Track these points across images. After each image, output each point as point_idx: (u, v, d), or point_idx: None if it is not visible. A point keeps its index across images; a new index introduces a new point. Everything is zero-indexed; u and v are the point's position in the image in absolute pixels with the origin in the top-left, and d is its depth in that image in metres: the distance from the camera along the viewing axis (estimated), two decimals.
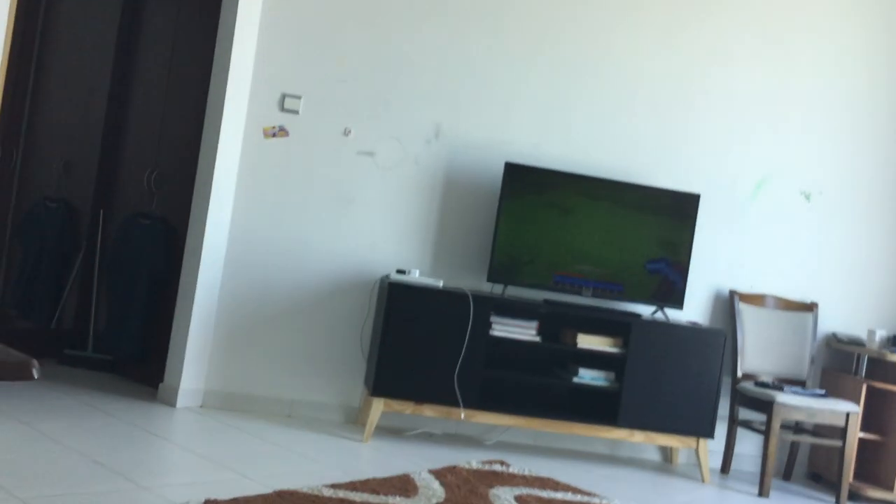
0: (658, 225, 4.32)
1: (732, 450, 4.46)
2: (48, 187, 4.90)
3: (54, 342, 4.74)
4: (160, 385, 4.21)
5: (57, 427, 3.46)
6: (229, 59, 4.16)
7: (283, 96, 4.26)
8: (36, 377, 1.45)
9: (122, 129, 4.86)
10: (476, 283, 4.30)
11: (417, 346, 3.99)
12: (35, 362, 1.48)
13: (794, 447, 4.59)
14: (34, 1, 4.63)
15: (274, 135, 4.26)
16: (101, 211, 4.82)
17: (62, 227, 4.88)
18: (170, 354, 4.21)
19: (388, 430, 4.20)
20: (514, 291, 4.28)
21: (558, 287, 4.25)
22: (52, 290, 4.89)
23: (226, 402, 4.21)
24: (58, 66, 4.85)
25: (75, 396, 4.02)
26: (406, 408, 4.02)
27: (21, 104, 4.63)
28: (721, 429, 4.39)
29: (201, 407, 4.18)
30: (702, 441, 4.20)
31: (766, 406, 4.15)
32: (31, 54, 4.63)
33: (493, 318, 4.06)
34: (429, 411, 4.04)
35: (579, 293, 4.25)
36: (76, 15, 4.92)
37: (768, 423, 4.12)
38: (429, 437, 4.24)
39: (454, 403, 3.98)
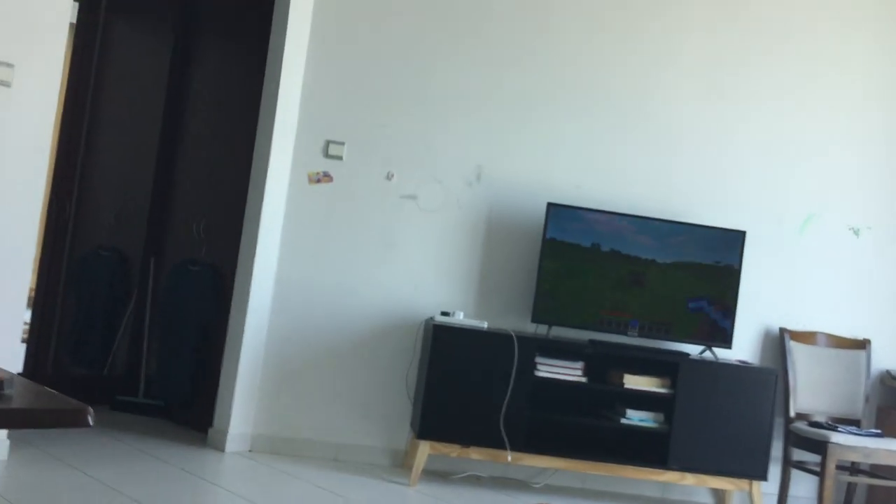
0: (703, 262, 4.28)
1: (787, 492, 4.35)
2: (100, 236, 5.02)
3: (106, 388, 4.82)
4: (209, 430, 4.26)
5: (109, 473, 3.51)
6: (275, 107, 4.25)
7: (328, 143, 4.34)
8: (91, 424, 1.50)
9: (172, 179, 4.98)
10: (520, 323, 4.30)
11: (463, 389, 3.98)
12: (90, 409, 1.53)
13: (850, 488, 4.47)
14: (87, 55, 4.78)
15: (318, 181, 4.33)
16: (152, 259, 4.93)
17: (114, 274, 4.99)
18: (219, 399, 4.26)
19: (435, 474, 4.18)
20: (558, 332, 4.27)
21: (603, 327, 4.22)
22: (104, 336, 4.99)
23: (274, 446, 4.24)
24: (109, 119, 5.00)
25: (127, 442, 4.08)
26: (452, 451, 4.00)
27: (74, 156, 4.77)
28: (775, 470, 4.29)
29: (250, 451, 4.21)
30: (755, 483, 4.11)
31: (820, 447, 4.06)
32: (83, 108, 4.78)
33: (539, 359, 4.04)
34: (475, 454, 4.02)
35: (625, 333, 4.22)
36: (127, 69, 5.08)
37: (823, 464, 4.02)
38: (476, 481, 4.22)
39: (501, 446, 3.96)
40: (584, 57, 4.49)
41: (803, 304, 4.55)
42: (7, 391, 1.61)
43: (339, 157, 4.33)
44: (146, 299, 4.90)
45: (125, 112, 5.08)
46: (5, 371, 1.75)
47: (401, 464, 4.28)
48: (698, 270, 4.27)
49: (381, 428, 4.31)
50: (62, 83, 3.82)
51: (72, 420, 1.48)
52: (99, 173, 4.98)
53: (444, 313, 4.14)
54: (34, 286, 4.66)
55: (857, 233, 4.63)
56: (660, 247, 4.26)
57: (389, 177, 4.36)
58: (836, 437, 4.02)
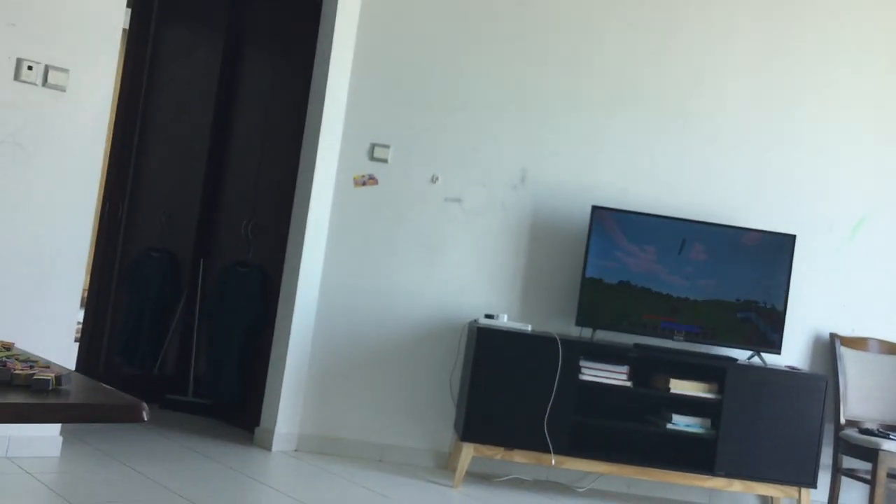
0: (752, 267, 4.23)
1: (836, 500, 4.28)
2: (152, 238, 5.12)
3: (156, 387, 4.91)
4: (256, 429, 4.31)
5: (158, 470, 3.58)
6: (322, 111, 4.30)
7: (373, 146, 4.37)
8: (146, 419, 1.53)
9: (221, 182, 5.07)
10: (564, 327, 4.29)
11: (507, 391, 3.98)
12: (145, 405, 1.57)
13: None
14: (139, 61, 4.89)
15: (364, 183, 4.37)
16: (202, 260, 5.01)
17: (164, 276, 5.08)
18: (265, 399, 4.31)
19: (479, 476, 4.19)
20: (602, 335, 4.25)
21: (648, 331, 4.19)
22: (154, 336, 5.08)
23: (319, 446, 4.28)
24: (161, 123, 5.10)
25: (175, 440, 4.15)
26: (496, 453, 4.01)
27: (127, 160, 4.87)
28: (824, 478, 4.22)
29: (296, 451, 4.26)
30: (804, 491, 4.05)
31: (871, 454, 3.98)
32: (136, 113, 4.89)
33: (583, 363, 4.03)
34: (519, 457, 4.01)
35: (671, 337, 4.18)
36: (178, 74, 5.18)
37: (874, 471, 3.94)
38: (519, 484, 4.21)
39: (545, 449, 3.95)
40: (628, 58, 4.47)
41: (854, 310, 4.47)
42: (65, 386, 1.66)
43: (385, 160, 4.37)
44: (195, 300, 4.98)
45: (176, 116, 5.18)
46: (62, 367, 1.80)
47: (444, 465, 4.29)
48: (747, 274, 4.22)
49: (425, 430, 4.33)
50: (115, 88, 3.91)
51: (127, 415, 1.52)
52: (150, 176, 5.08)
53: (489, 316, 4.15)
54: (87, 286, 4.77)
55: None
56: (707, 250, 4.22)
57: (434, 180, 4.38)
58: (888, 445, 3.94)
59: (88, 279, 4.73)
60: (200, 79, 5.17)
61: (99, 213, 4.67)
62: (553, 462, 3.97)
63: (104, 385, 1.64)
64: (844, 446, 4.20)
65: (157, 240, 5.13)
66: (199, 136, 5.11)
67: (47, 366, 1.78)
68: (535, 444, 3.95)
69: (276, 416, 4.23)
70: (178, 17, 5.14)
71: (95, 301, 4.81)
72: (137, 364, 5.06)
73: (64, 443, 3.65)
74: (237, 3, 5.15)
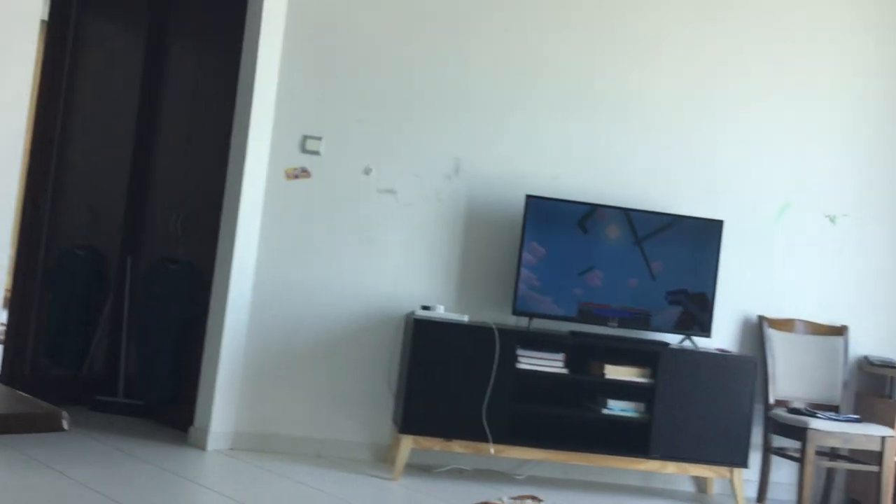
0: (682, 252, 4.30)
1: (768, 478, 4.39)
2: (76, 235, 4.97)
3: (86, 388, 4.78)
4: (190, 428, 4.23)
5: (89, 474, 3.48)
6: (251, 102, 4.22)
7: (305, 138, 4.31)
8: (66, 428, 1.45)
9: (148, 176, 4.94)
10: (501, 316, 4.30)
11: (445, 382, 3.98)
12: (64, 413, 1.48)
13: (830, 474, 4.51)
14: (59, 53, 4.73)
15: (296, 176, 4.31)
16: (129, 257, 4.89)
17: (90, 273, 4.95)
18: (199, 397, 4.23)
19: (418, 468, 4.18)
20: (539, 324, 4.27)
21: (583, 318, 4.23)
22: (81, 336, 4.94)
23: (256, 444, 4.22)
24: (83, 117, 4.94)
25: (107, 442, 4.05)
26: (435, 444, 4.00)
27: (48, 154, 4.71)
28: (755, 457, 4.32)
29: (231, 449, 4.19)
30: (736, 471, 4.14)
31: (799, 433, 4.09)
32: (57, 106, 4.73)
33: (520, 352, 4.05)
34: (458, 447, 4.02)
35: (605, 324, 4.23)
36: (100, 66, 5.03)
37: (803, 450, 4.06)
38: (459, 474, 4.22)
39: (483, 439, 3.97)
40: (560, 48, 4.49)
41: (781, 292, 4.59)
42: None
43: (317, 153, 4.31)
44: (124, 298, 4.86)
45: (99, 109, 5.03)
46: None
47: (384, 458, 4.27)
48: (677, 260, 4.29)
49: (363, 423, 4.30)
50: (34, 81, 3.77)
51: (45, 425, 1.43)
52: (73, 172, 4.93)
53: (425, 307, 4.14)
54: (9, 286, 4.61)
55: (833, 220, 4.66)
56: (638, 237, 4.28)
57: (367, 171, 4.35)
58: (816, 423, 4.05)
59: (11, 279, 4.57)
60: (124, 69, 5.03)
61: (21, 210, 4.51)
62: (492, 451, 3.98)
63: (20, 393, 1.56)
64: (774, 426, 4.31)
65: (81, 237, 4.98)
66: (124, 129, 4.97)
67: None
68: (474, 433, 3.96)
69: (210, 414, 4.15)
70: (99, 7, 4.98)
71: (19, 302, 4.65)
72: (65, 365, 4.92)
73: None
74: None
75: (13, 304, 4.64)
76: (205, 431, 4.15)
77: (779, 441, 4.38)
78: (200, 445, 4.15)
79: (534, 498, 3.81)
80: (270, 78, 4.28)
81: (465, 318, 4.11)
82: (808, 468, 4.04)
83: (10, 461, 3.54)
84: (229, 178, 4.30)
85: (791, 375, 4.46)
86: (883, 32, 4.73)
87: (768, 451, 4.38)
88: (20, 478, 3.37)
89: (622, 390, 4.13)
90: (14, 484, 3.30)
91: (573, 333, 4.18)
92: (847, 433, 4.07)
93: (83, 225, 4.99)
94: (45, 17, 4.54)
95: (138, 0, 5.05)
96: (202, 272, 4.47)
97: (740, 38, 4.61)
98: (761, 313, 4.54)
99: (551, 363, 4.09)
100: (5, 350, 4.59)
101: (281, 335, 4.26)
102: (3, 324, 4.80)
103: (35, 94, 4.39)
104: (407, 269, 4.35)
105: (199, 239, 4.51)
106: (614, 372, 4.10)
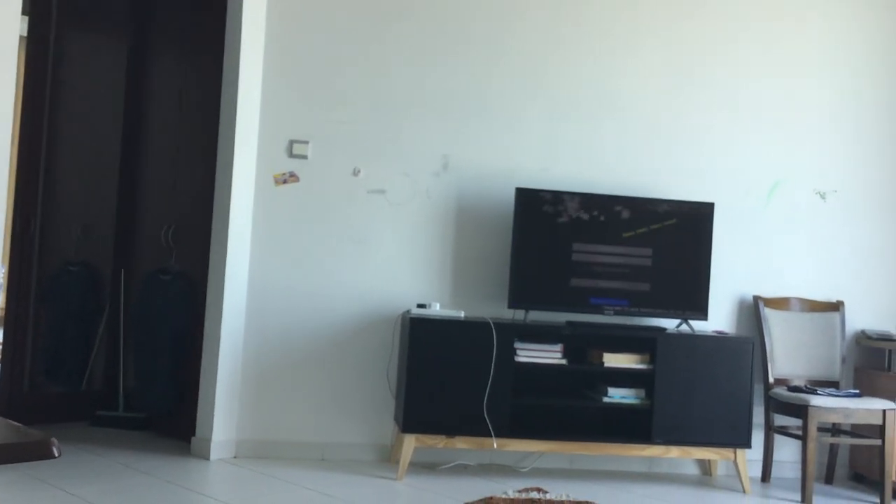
0: (674, 237, 4.30)
1: (771, 457, 4.40)
2: (68, 252, 4.95)
3: (85, 404, 4.77)
4: (193, 439, 4.23)
5: (93, 490, 3.47)
6: (235, 110, 4.21)
7: (291, 142, 4.30)
8: (57, 455, 1.41)
9: (136, 189, 4.93)
10: (497, 310, 4.30)
11: (444, 379, 3.98)
12: (54, 440, 1.43)
13: (833, 449, 4.52)
14: (41, 68, 4.70)
15: (285, 181, 4.30)
16: (122, 270, 4.87)
17: (84, 289, 4.93)
18: (200, 407, 4.22)
19: (422, 466, 4.18)
20: (535, 316, 4.27)
21: (580, 308, 4.23)
22: (79, 352, 4.93)
23: (259, 451, 4.22)
24: (69, 131, 4.92)
25: (109, 457, 4.04)
26: (438, 442, 4.00)
27: (36, 172, 4.69)
28: (758, 437, 4.33)
29: (235, 457, 4.18)
30: (739, 451, 4.15)
31: (800, 410, 4.10)
32: (41, 122, 4.70)
33: (518, 345, 4.05)
34: (461, 443, 4.02)
35: (601, 312, 4.23)
36: (83, 80, 5.00)
37: (805, 427, 4.07)
38: (463, 470, 4.22)
39: (486, 433, 3.97)
40: (542, 40, 4.48)
41: (775, 271, 4.59)
42: None
43: (304, 156, 4.30)
44: (119, 311, 4.84)
45: (84, 123, 5.00)
46: None
47: (387, 458, 4.27)
48: (670, 244, 4.29)
49: (365, 424, 4.30)
50: (17, 98, 3.75)
51: (35, 454, 1.40)
52: (62, 187, 4.91)
53: (421, 305, 4.13)
54: (4, 305, 4.60)
55: (823, 197, 4.67)
56: (630, 224, 4.28)
57: (356, 172, 4.34)
58: (816, 400, 4.06)
59: (5, 298, 4.56)
60: (108, 83, 5.01)
61: (10, 231, 4.49)
62: (495, 445, 3.99)
63: (10, 421, 1.53)
64: (775, 405, 4.32)
65: (73, 253, 4.96)
66: (110, 142, 4.95)
67: None
68: (476, 429, 3.96)
69: (211, 423, 4.14)
70: (79, 20, 4.96)
71: (14, 320, 4.63)
72: (63, 382, 4.90)
73: None
74: (139, 4, 5.00)
75: (8, 323, 4.63)
76: (207, 441, 4.15)
77: (780, 420, 4.40)
78: (204, 455, 4.14)
79: (539, 489, 3.82)
80: (254, 84, 4.26)
81: (462, 314, 4.11)
82: (811, 445, 4.04)
83: (12, 481, 3.53)
84: (218, 187, 4.29)
85: (789, 354, 4.47)
86: (869, 9, 4.73)
87: (770, 430, 4.39)
88: (23, 498, 3.36)
89: (622, 378, 4.14)
90: None
91: (570, 324, 4.18)
92: (848, 408, 4.08)
93: (74, 241, 4.97)
94: (24, 34, 4.52)
95: (118, 12, 5.03)
96: (196, 281, 4.46)
97: (728, 18, 4.61)
98: (756, 293, 4.54)
99: (550, 355, 4.09)
100: (3, 369, 4.58)
101: (278, 340, 4.26)
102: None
103: (18, 111, 4.37)
104: (401, 267, 4.34)
105: (191, 249, 4.50)
106: (613, 360, 4.11)
